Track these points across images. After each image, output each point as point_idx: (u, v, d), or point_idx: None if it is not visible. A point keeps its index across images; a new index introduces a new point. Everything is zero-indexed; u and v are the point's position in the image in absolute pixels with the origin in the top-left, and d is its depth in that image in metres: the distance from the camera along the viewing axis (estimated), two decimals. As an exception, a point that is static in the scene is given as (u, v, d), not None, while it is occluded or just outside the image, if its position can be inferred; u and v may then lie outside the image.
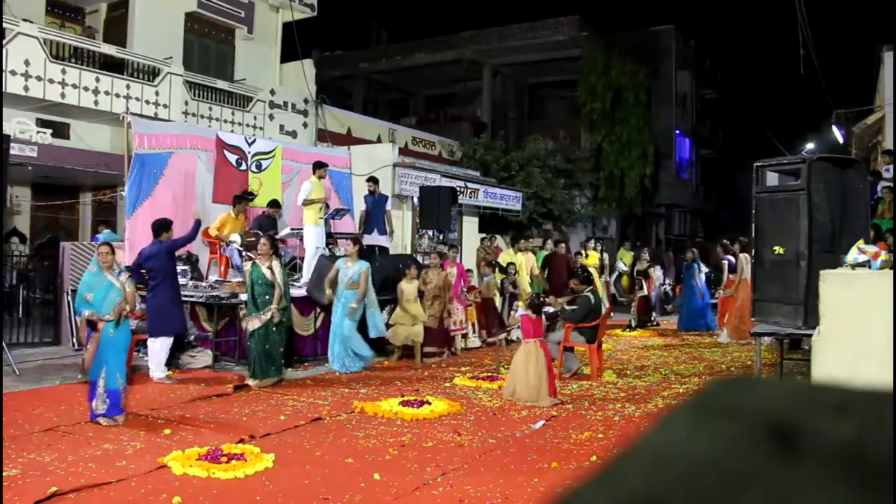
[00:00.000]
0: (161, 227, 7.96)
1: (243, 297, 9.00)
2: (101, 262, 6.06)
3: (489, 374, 8.39)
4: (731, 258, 12.13)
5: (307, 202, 10.31)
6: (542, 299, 7.79)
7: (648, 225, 27.06)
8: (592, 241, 15.46)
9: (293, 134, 16.89)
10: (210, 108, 15.34)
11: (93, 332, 5.93)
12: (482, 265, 11.95)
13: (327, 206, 10.85)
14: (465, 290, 10.70)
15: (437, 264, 10.06)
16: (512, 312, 10.80)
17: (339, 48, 28.37)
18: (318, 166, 10.67)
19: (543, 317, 7.49)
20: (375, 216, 11.79)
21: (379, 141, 18.27)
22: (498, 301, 11.60)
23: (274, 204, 10.94)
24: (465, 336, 10.61)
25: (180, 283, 8.45)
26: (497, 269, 11.75)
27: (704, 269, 16.76)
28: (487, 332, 11.04)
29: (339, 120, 18.40)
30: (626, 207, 23.53)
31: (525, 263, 12.83)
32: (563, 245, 14.74)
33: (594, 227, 24.55)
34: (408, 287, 9.47)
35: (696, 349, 10.90)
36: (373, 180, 11.93)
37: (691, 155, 30.14)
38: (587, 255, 14.33)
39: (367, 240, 11.62)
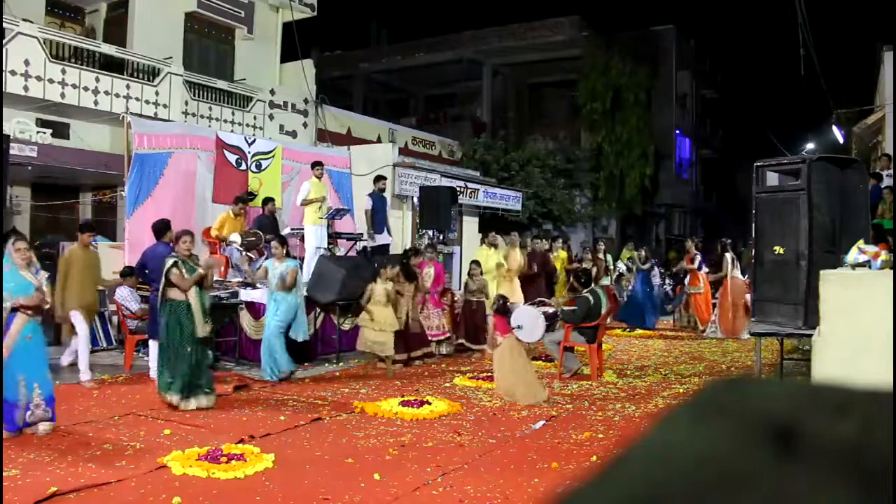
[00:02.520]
0: (162, 228, 8.01)
1: (244, 296, 9.02)
2: (18, 259, 5.61)
3: (489, 374, 8.38)
4: (700, 255, 13.09)
5: (305, 202, 10.32)
6: (505, 300, 7.86)
7: (648, 225, 27.08)
8: (559, 241, 14.78)
9: (293, 134, 16.90)
10: (210, 108, 15.34)
11: (13, 322, 5.46)
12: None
13: (329, 208, 10.87)
14: (437, 291, 9.93)
15: (414, 264, 9.47)
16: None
17: (339, 48, 28.39)
18: (315, 165, 10.67)
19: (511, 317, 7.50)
20: (383, 215, 11.81)
21: (379, 141, 18.29)
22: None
23: (268, 200, 10.95)
24: (440, 342, 9.80)
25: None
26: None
27: (704, 268, 16.81)
28: (474, 340, 10.08)
29: (339, 120, 18.41)
30: (626, 207, 23.54)
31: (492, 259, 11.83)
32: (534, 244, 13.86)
33: (594, 227, 24.56)
34: (378, 289, 8.55)
35: (696, 349, 10.91)
36: (381, 178, 11.96)
37: (691, 155, 30.15)
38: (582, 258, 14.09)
39: (380, 240, 11.62)
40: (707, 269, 13.09)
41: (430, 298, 9.71)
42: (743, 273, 12.99)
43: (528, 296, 11.62)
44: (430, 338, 9.50)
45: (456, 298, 10.61)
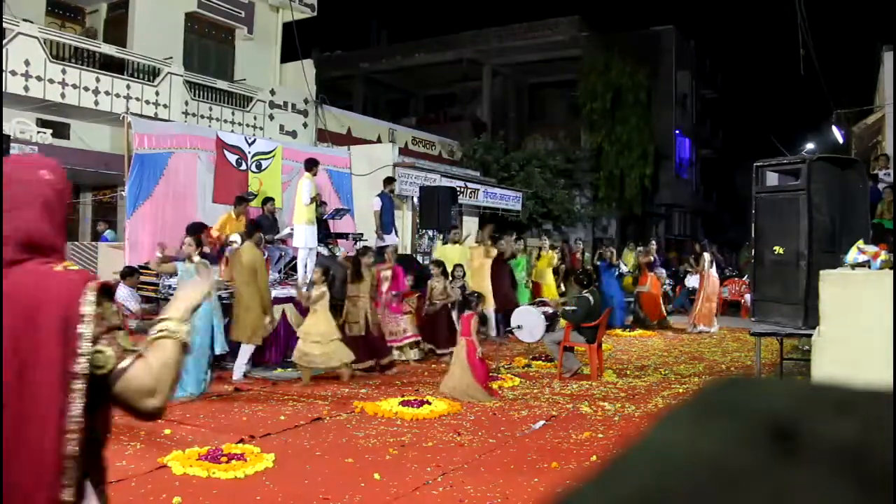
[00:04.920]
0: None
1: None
2: None
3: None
4: (657, 257, 14.25)
5: (312, 199, 10.38)
6: (477, 298, 7.87)
7: (648, 225, 27.07)
8: (547, 242, 14.15)
9: (293, 134, 16.89)
10: (210, 108, 15.34)
11: None
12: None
13: (324, 204, 10.90)
14: (396, 295, 9.22)
15: (370, 263, 8.62)
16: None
17: (339, 48, 28.40)
18: (314, 164, 10.70)
19: (475, 316, 7.43)
20: (391, 216, 11.92)
21: (379, 141, 18.28)
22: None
23: (268, 200, 11.00)
24: (401, 348, 9.26)
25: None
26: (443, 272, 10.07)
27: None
28: (436, 344, 9.50)
29: (339, 120, 18.41)
30: (626, 207, 23.54)
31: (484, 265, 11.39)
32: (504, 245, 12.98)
33: (594, 228, 24.56)
34: (316, 294, 7.85)
35: (696, 349, 10.91)
36: (392, 180, 12.25)
37: (691, 155, 30.14)
38: (538, 256, 13.32)
39: (388, 240, 11.69)
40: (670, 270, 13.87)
41: (388, 304, 9.01)
42: (742, 273, 13.04)
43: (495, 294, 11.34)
44: (388, 344, 8.86)
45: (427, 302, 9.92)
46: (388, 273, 9.18)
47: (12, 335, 1.39)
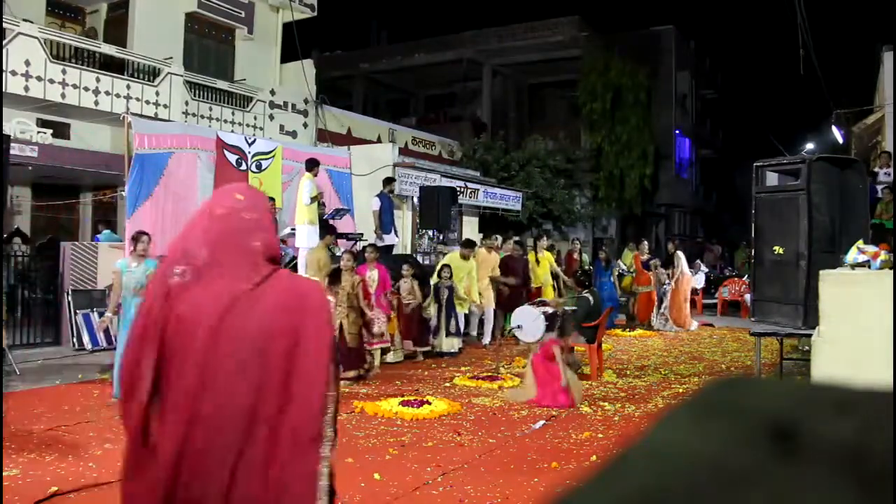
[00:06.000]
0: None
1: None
2: None
3: (489, 373, 8.38)
4: (651, 256, 14.11)
5: (313, 199, 10.38)
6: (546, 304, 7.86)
7: (648, 225, 27.08)
8: (544, 240, 13.57)
9: (293, 134, 16.89)
10: (210, 108, 15.34)
11: None
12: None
13: (324, 205, 10.90)
14: (385, 295, 9.02)
15: (350, 267, 8.13)
16: (452, 321, 9.85)
17: (339, 48, 28.42)
18: (314, 164, 10.70)
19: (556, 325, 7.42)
20: (390, 216, 11.94)
21: (379, 141, 18.28)
22: (433, 309, 9.90)
23: (268, 200, 11.01)
24: (385, 350, 9.03)
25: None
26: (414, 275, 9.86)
27: (704, 268, 16.87)
28: (414, 342, 9.55)
29: (339, 120, 18.41)
30: (626, 207, 23.54)
31: (485, 264, 11.00)
32: (519, 246, 12.49)
33: (594, 228, 24.56)
34: None
35: (696, 349, 10.91)
36: (392, 180, 12.34)
37: (691, 155, 30.15)
38: (537, 259, 12.69)
39: (387, 240, 11.71)
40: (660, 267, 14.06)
41: (377, 302, 8.63)
42: (740, 273, 12.98)
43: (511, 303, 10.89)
44: (369, 346, 8.42)
45: (405, 302, 9.71)
46: (375, 274, 8.84)
47: (294, 318, 2.02)
